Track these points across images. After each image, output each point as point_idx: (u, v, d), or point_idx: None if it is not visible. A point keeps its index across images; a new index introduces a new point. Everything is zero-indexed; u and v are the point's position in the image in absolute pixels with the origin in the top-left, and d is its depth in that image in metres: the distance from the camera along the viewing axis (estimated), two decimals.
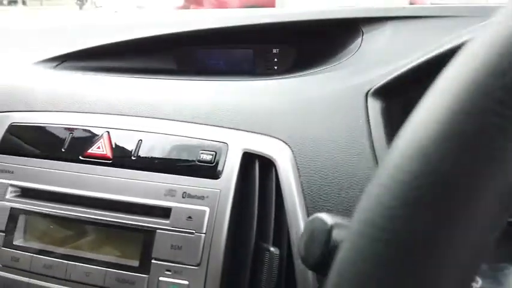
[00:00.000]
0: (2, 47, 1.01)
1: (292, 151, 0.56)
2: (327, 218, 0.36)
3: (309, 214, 0.53)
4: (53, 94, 0.72)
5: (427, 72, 0.59)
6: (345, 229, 0.34)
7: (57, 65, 0.95)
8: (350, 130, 0.56)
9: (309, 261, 0.35)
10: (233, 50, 1.05)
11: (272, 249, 0.52)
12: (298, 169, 0.55)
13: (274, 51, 1.02)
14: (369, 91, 0.59)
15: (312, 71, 0.83)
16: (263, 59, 1.03)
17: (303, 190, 0.54)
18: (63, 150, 0.62)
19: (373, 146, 0.54)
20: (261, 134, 0.58)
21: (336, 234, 0.35)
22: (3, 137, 0.66)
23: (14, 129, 0.67)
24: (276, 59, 1.02)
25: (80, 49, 0.96)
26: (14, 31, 1.08)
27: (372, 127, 0.56)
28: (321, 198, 0.53)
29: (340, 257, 0.23)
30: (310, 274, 0.51)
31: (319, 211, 0.53)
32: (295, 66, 0.93)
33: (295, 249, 0.52)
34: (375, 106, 0.58)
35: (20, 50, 0.97)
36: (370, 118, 0.56)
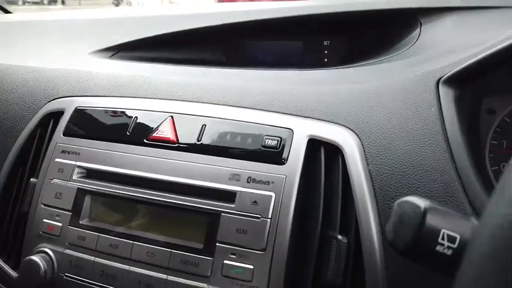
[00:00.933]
0: (56, 39, 1.04)
1: (360, 139, 0.55)
2: (420, 201, 0.34)
3: (378, 203, 0.52)
4: (115, 80, 0.73)
5: (498, 62, 0.57)
6: (447, 215, 0.33)
7: (112, 55, 0.98)
8: (422, 119, 0.54)
9: (398, 245, 0.34)
10: (282, 42, 1.04)
11: (340, 237, 0.51)
12: (366, 157, 0.54)
13: (325, 43, 1.01)
14: (440, 79, 0.57)
15: (367, 62, 0.81)
16: (313, 52, 1.01)
17: (371, 178, 0.53)
18: (127, 133, 0.64)
19: (446, 135, 0.53)
20: (327, 121, 0.57)
21: (430, 218, 0.33)
22: (69, 120, 0.68)
23: (79, 113, 0.69)
24: (326, 51, 1.01)
25: (133, 40, 0.98)
26: (65, 23, 1.11)
27: (444, 115, 0.54)
28: (390, 188, 0.52)
29: (480, 248, 0.22)
30: (379, 263, 0.50)
31: (389, 200, 0.52)
32: (347, 59, 0.92)
33: (363, 238, 0.51)
34: (447, 94, 0.56)
35: (74, 41, 1.01)
36: (442, 106, 0.54)
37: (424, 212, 0.34)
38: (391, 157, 0.53)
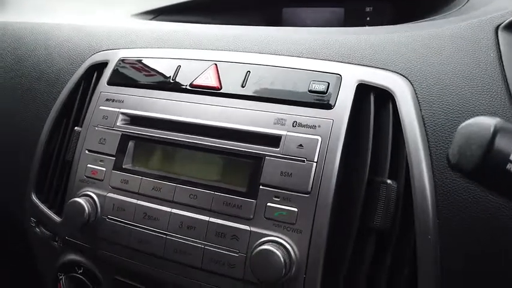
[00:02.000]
0: (99, 3, 1.06)
1: (413, 85, 0.53)
2: (489, 119, 0.32)
3: (430, 148, 0.50)
4: (158, 34, 0.74)
5: None
6: None
7: (152, 18, 0.98)
8: (479, 64, 0.51)
9: (465, 166, 0.33)
10: (323, 9, 1.02)
11: (389, 181, 0.50)
12: (419, 102, 0.52)
13: (368, 9, 0.98)
14: (499, 26, 0.54)
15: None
16: (354, 18, 0.99)
17: (424, 123, 0.50)
18: (171, 80, 0.64)
19: (506, 80, 0.50)
20: (377, 67, 0.55)
21: (501, 137, 0.31)
22: (113, 70, 0.69)
23: (123, 63, 0.69)
24: (368, 18, 0.98)
25: (174, 3, 0.99)
26: None
27: (504, 61, 0.51)
28: (444, 132, 0.50)
29: None
30: (430, 209, 0.48)
31: (443, 146, 0.49)
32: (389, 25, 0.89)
33: (414, 183, 0.49)
34: (507, 40, 0.52)
35: (116, 5, 1.02)
36: (502, 52, 0.51)
37: (495, 131, 0.32)
38: (445, 102, 0.51)
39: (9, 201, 0.79)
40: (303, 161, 0.52)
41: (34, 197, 0.72)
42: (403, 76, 0.54)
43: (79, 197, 0.62)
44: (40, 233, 0.72)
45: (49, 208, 0.70)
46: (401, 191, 0.50)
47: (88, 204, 0.61)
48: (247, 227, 0.53)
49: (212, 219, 0.55)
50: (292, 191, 0.51)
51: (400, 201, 0.49)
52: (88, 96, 0.70)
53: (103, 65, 0.72)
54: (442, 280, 0.47)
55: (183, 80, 0.63)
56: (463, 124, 0.34)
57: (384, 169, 0.51)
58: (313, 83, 0.55)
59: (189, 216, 0.56)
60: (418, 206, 0.48)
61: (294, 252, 0.50)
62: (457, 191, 0.48)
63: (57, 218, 0.68)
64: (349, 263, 0.50)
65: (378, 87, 0.53)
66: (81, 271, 0.66)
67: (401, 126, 0.51)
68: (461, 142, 0.33)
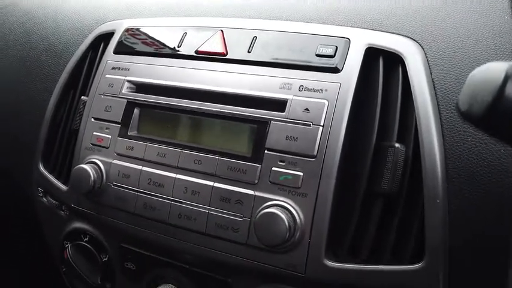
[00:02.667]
0: None
1: (423, 48, 0.51)
2: (500, 64, 0.31)
3: (440, 111, 0.48)
4: (164, 3, 0.73)
5: None
6: None
7: None
8: (493, 28, 0.50)
9: (475, 112, 0.31)
10: None
11: (397, 145, 0.48)
12: (429, 66, 0.50)
13: None
14: None
15: None
16: None
17: (434, 86, 0.49)
18: (176, 47, 0.63)
19: None
20: (387, 31, 0.54)
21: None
22: (120, 39, 0.69)
23: (129, 32, 0.69)
24: None
25: None
26: None
27: None
28: (455, 96, 0.48)
29: None
30: (439, 174, 0.47)
31: (453, 109, 0.48)
32: None
33: (423, 146, 0.48)
34: None
35: None
36: None
37: (506, 76, 0.30)
38: (456, 66, 0.49)
39: (16, 172, 0.80)
40: (309, 125, 0.51)
41: (41, 167, 0.72)
42: (413, 40, 0.52)
43: (85, 164, 0.63)
44: (47, 203, 0.72)
45: (56, 178, 0.71)
46: (409, 155, 0.48)
47: (93, 170, 0.61)
48: (251, 192, 0.52)
49: (216, 184, 0.54)
50: (297, 155, 0.51)
51: (408, 165, 0.48)
52: (95, 66, 0.70)
53: (109, 35, 0.71)
54: (450, 244, 0.46)
55: (189, 47, 0.62)
56: (474, 70, 0.33)
57: (391, 134, 0.50)
58: (321, 47, 0.54)
59: (194, 182, 0.55)
60: (427, 170, 0.47)
61: (299, 216, 0.50)
62: (467, 155, 0.47)
63: (63, 187, 0.68)
64: (354, 228, 0.49)
65: (387, 51, 0.52)
66: (87, 239, 0.66)
67: (410, 90, 0.50)
68: (471, 88, 0.32)
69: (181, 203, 0.56)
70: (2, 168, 0.83)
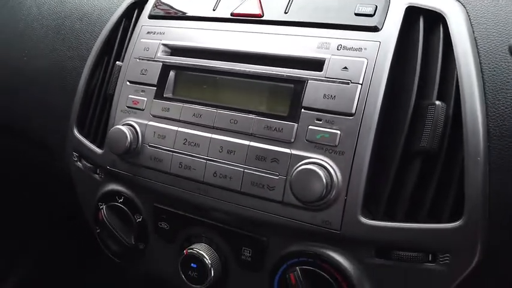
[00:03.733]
0: None
1: (465, 7, 0.50)
2: None
3: (482, 68, 0.48)
4: None
5: None
6: None
7: None
8: None
9: None
10: None
11: (438, 102, 0.48)
12: (471, 24, 0.49)
13: None
14: None
15: None
16: None
17: (476, 44, 0.48)
18: (212, 10, 0.63)
19: None
20: None
21: None
22: (154, 4, 0.69)
23: None
24: None
25: None
26: None
27: None
28: (498, 54, 0.47)
29: None
30: (481, 132, 0.46)
31: (496, 67, 0.47)
32: None
33: (465, 104, 0.47)
34: None
35: None
36: None
37: None
38: (500, 23, 0.48)
39: (51, 139, 0.82)
40: (348, 83, 0.51)
41: (76, 132, 0.74)
42: None
43: (121, 125, 0.64)
44: (82, 167, 0.74)
45: (91, 142, 0.72)
46: (450, 114, 0.48)
47: (130, 132, 0.62)
48: (287, 150, 0.52)
49: (252, 144, 0.55)
50: (335, 114, 0.51)
51: (449, 123, 0.48)
52: (129, 31, 0.71)
53: (143, 1, 0.72)
54: (489, 203, 0.46)
55: (224, 9, 0.62)
56: None
57: (431, 92, 0.49)
58: (360, 6, 0.53)
59: (229, 141, 0.56)
60: (468, 127, 0.46)
61: (335, 173, 0.50)
62: (510, 113, 0.46)
63: (98, 150, 0.70)
64: (391, 187, 0.49)
65: (428, 10, 0.51)
66: (121, 200, 0.68)
67: (451, 49, 0.49)
68: None
69: (216, 161, 0.57)
70: (38, 136, 0.85)
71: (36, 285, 1.42)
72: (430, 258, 0.48)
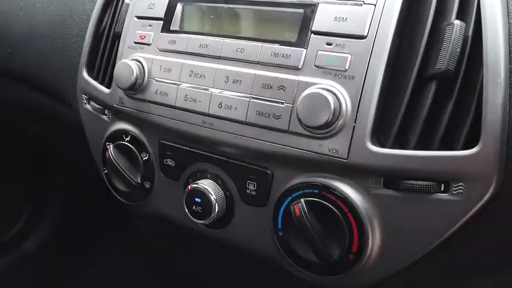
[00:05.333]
0: None
1: None
2: None
3: None
4: None
5: None
6: None
7: None
8: None
9: None
10: None
11: (456, 22, 0.45)
12: None
13: None
14: None
15: None
16: None
17: None
18: None
19: None
20: None
21: None
22: None
23: None
24: None
25: None
26: None
27: None
28: None
29: None
30: (502, 54, 0.43)
31: None
32: None
33: (486, 24, 0.44)
34: None
35: None
36: None
37: None
38: None
39: (63, 85, 0.82)
40: (360, 4, 0.48)
41: (85, 74, 0.74)
42: None
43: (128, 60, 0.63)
44: (91, 109, 0.74)
45: (100, 83, 0.72)
46: (469, 34, 0.45)
47: (136, 66, 0.61)
48: (295, 77, 0.50)
49: (259, 72, 0.53)
50: (346, 37, 0.48)
51: (468, 44, 0.45)
52: None
53: None
54: (508, 128, 0.43)
55: None
56: None
57: (450, 12, 0.46)
58: None
59: (235, 71, 0.54)
60: (489, 48, 0.43)
61: (344, 99, 0.47)
62: None
63: (106, 90, 0.69)
64: (404, 113, 0.47)
65: None
66: (128, 138, 0.67)
67: None
68: None
69: (222, 92, 0.55)
70: (51, 84, 0.85)
71: (56, 245, 1.47)
72: (442, 188, 0.46)
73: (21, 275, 1.46)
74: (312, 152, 0.50)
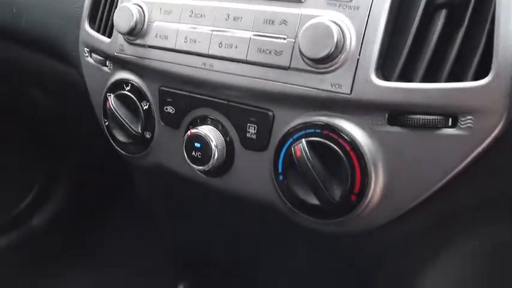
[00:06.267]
0: None
1: None
2: None
3: None
4: None
5: None
6: None
7: None
8: None
9: None
10: None
11: None
12: None
13: None
14: None
15: None
16: None
17: None
18: None
19: None
20: None
21: None
22: None
23: None
24: None
25: None
26: None
27: None
28: None
29: None
30: None
31: None
32: None
33: None
34: None
35: None
36: None
37: None
38: None
39: (63, 41, 0.81)
40: None
41: (87, 26, 0.73)
42: None
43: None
44: (92, 61, 0.73)
45: (102, 34, 0.70)
46: None
47: (136, 9, 0.60)
48: (297, 10, 0.48)
49: (260, 7, 0.51)
50: None
51: None
52: None
53: None
54: None
55: None
56: None
57: None
58: None
59: (236, 8, 0.52)
60: None
61: (348, 30, 0.45)
62: None
63: (107, 39, 0.68)
64: (411, 44, 0.44)
65: None
66: (128, 88, 0.66)
67: None
68: None
69: (222, 31, 0.53)
70: (52, 42, 0.84)
71: (67, 218, 1.49)
72: (450, 123, 0.43)
73: (30, 249, 1.49)
74: (314, 88, 0.48)
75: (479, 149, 0.43)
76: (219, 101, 0.57)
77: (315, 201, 0.50)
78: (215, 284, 1.05)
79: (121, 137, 0.68)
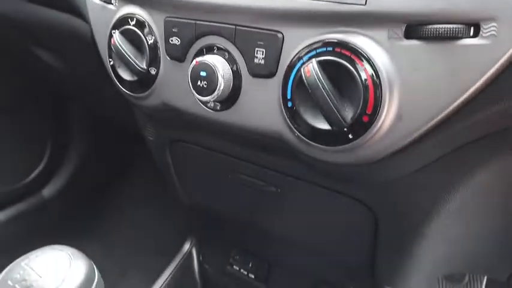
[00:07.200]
0: None
1: None
2: None
3: None
4: None
5: None
6: None
7: None
8: None
9: None
10: None
11: None
12: None
13: None
14: None
15: None
16: None
17: None
18: None
19: None
20: None
21: None
22: None
23: None
24: None
25: None
26: None
27: None
28: None
29: None
30: None
31: None
32: None
33: None
34: None
35: None
36: None
37: None
38: None
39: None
40: None
41: None
42: None
43: None
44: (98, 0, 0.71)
45: None
46: None
47: None
48: None
49: None
50: None
51: None
52: None
53: None
54: None
55: None
56: None
57: None
58: None
59: None
60: None
61: None
62: None
63: None
64: None
65: None
66: (133, 22, 0.64)
67: None
68: None
69: None
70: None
71: (88, 172, 1.50)
72: (471, 33, 0.41)
73: (40, 218, 1.49)
74: (325, 0, 0.45)
75: (502, 60, 0.40)
76: (226, 25, 0.54)
77: (325, 125, 0.48)
78: (223, 237, 1.04)
79: (126, 75, 0.66)
